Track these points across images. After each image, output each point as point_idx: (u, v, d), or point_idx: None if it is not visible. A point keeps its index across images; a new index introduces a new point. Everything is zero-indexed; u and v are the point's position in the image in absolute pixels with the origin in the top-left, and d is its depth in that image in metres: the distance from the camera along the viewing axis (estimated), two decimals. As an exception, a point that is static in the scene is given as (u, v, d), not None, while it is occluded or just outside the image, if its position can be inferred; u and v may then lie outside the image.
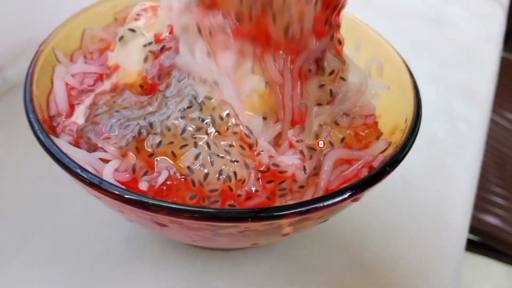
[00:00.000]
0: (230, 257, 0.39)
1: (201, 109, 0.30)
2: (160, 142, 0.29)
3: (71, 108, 0.33)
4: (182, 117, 0.29)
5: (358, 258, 0.41)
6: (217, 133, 0.30)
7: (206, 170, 0.29)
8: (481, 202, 1.06)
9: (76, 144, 0.30)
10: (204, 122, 0.30)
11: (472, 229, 1.04)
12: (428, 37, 0.76)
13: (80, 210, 0.42)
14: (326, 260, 0.40)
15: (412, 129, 0.32)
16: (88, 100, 0.33)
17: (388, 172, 0.28)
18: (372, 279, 0.39)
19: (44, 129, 0.27)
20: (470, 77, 0.68)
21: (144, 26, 0.34)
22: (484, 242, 1.07)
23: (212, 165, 0.29)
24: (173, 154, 0.29)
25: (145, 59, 0.34)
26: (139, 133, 0.29)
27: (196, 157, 0.29)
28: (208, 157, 0.29)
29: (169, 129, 0.29)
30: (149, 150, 0.29)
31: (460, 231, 0.46)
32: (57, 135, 0.31)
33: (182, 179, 0.29)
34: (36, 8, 0.57)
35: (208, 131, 0.30)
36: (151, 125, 0.30)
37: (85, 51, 0.38)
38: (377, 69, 0.42)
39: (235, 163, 0.29)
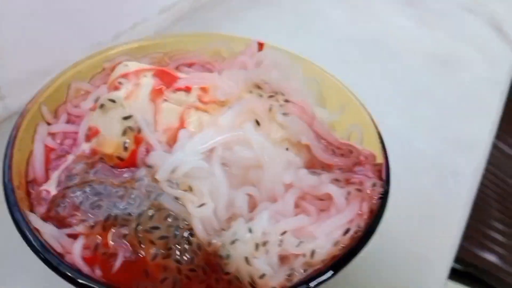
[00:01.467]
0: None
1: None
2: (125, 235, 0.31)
3: (47, 173, 0.35)
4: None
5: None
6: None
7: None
8: (481, 238, 1.05)
9: (47, 218, 0.32)
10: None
11: (471, 265, 1.02)
12: (433, 79, 0.75)
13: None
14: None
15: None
16: (63, 165, 0.35)
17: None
18: None
19: (18, 204, 0.30)
20: (469, 128, 0.67)
21: (124, 96, 0.36)
22: (483, 279, 1.06)
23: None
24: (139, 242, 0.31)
25: (124, 133, 0.35)
26: (107, 219, 0.31)
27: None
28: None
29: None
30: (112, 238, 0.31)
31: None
32: (32, 204, 0.33)
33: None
34: (44, 38, 0.59)
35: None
36: (115, 217, 0.31)
37: (69, 107, 0.40)
38: (357, 135, 0.42)
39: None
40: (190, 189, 0.33)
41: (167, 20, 0.75)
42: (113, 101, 0.36)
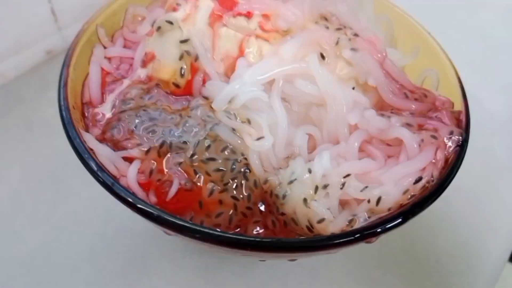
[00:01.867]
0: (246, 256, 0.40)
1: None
2: (180, 163, 0.30)
3: (103, 95, 0.34)
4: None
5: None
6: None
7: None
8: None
9: (102, 139, 0.31)
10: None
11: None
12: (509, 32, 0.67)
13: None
14: (343, 271, 0.39)
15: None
16: (119, 89, 0.33)
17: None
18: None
19: (72, 121, 0.28)
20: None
21: (182, 18, 0.33)
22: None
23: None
24: (195, 172, 0.30)
25: (181, 57, 0.33)
26: (162, 144, 0.30)
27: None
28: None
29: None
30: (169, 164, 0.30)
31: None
32: (87, 125, 0.32)
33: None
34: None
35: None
36: (170, 144, 0.30)
37: (125, 31, 0.38)
38: (432, 81, 0.38)
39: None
40: (248, 121, 0.31)
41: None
42: (170, 22, 0.33)
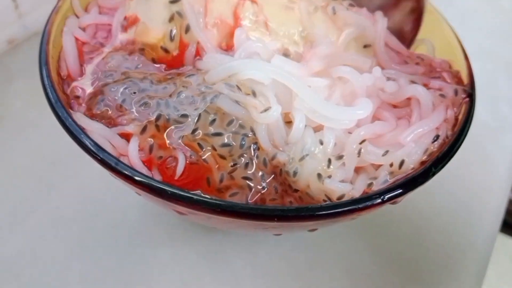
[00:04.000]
0: (250, 236, 0.38)
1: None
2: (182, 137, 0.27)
3: (81, 69, 0.30)
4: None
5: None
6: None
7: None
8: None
9: (90, 115, 0.27)
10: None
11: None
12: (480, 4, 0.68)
13: (97, 172, 0.40)
14: (350, 246, 0.38)
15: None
16: (98, 58, 0.30)
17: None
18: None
19: (60, 100, 0.25)
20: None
21: None
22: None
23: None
24: (200, 146, 0.27)
25: (171, 19, 0.30)
26: (158, 118, 0.27)
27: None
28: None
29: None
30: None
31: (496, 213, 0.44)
32: (69, 102, 0.29)
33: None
34: None
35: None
36: (168, 118, 0.27)
37: (101, 2, 0.34)
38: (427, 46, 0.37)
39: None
40: (253, 93, 0.28)
41: None
42: None
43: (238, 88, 0.28)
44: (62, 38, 0.30)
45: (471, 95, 0.30)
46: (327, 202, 0.26)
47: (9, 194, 0.39)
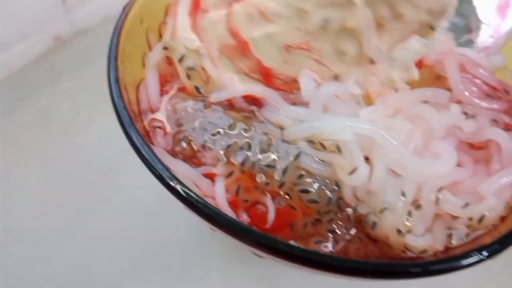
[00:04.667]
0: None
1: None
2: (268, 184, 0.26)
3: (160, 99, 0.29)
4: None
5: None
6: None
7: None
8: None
9: (172, 153, 0.26)
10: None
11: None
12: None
13: (147, 182, 0.39)
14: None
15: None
16: (168, 95, 0.29)
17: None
18: None
19: (144, 138, 0.23)
20: None
21: (170, 36, 0.30)
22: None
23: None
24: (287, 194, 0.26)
25: (188, 77, 0.29)
26: (243, 163, 0.26)
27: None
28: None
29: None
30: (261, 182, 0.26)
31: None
32: (147, 134, 0.27)
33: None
34: None
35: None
36: (253, 164, 0.26)
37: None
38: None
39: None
40: (337, 149, 0.26)
41: None
42: (165, 48, 0.30)
43: (322, 145, 0.26)
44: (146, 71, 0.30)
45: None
46: (427, 259, 0.24)
47: (58, 204, 0.38)
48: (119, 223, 0.37)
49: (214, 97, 0.28)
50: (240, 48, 0.28)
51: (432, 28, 0.27)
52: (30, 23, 0.49)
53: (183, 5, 0.30)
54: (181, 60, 0.29)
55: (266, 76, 0.28)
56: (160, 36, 0.33)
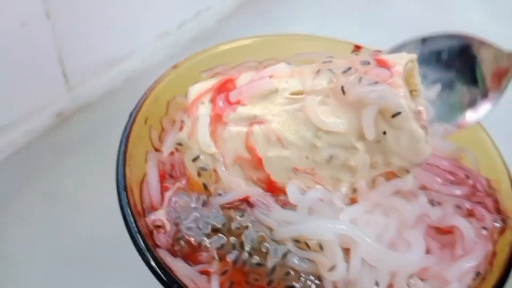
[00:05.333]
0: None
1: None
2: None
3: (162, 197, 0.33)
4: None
5: None
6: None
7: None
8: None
9: (172, 252, 0.30)
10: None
11: None
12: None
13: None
14: None
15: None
16: (169, 192, 0.33)
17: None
18: None
19: (147, 240, 0.27)
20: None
21: (187, 136, 0.33)
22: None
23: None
24: None
25: (199, 175, 0.33)
26: (235, 261, 0.29)
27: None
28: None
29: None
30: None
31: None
32: (150, 233, 0.31)
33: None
34: (114, 27, 0.57)
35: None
36: (244, 262, 0.29)
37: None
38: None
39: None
40: (320, 247, 0.30)
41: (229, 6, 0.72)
42: (180, 144, 0.33)
43: (306, 244, 0.30)
44: (147, 170, 0.33)
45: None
46: None
47: (65, 281, 0.40)
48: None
49: (216, 201, 0.31)
50: (253, 162, 0.32)
51: (408, 172, 0.33)
52: (34, 101, 0.53)
53: (204, 113, 0.33)
54: (195, 159, 0.33)
55: (270, 186, 0.32)
56: (163, 129, 0.37)
